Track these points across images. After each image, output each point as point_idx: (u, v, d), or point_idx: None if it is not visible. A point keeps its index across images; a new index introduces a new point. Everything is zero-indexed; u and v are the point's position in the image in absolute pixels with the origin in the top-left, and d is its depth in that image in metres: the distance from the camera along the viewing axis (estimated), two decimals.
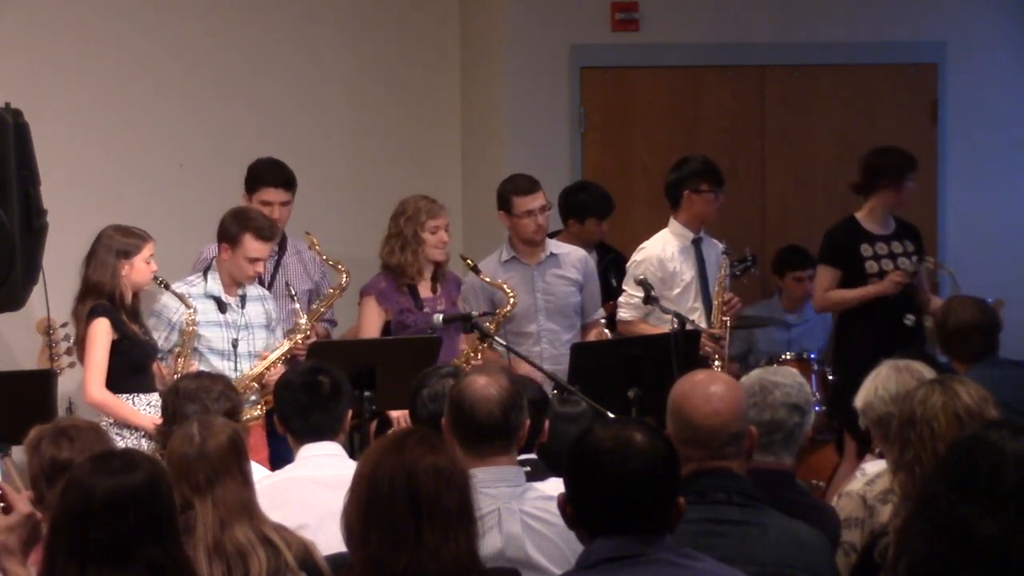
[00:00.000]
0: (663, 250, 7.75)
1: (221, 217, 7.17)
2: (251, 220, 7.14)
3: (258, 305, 7.26)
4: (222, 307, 7.12)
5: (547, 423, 4.99)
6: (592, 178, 8.97)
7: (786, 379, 4.72)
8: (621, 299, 7.81)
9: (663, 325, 7.54)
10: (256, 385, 7.06)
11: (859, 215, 8.03)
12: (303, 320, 7.20)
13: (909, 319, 7.88)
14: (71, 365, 7.19)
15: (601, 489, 3.49)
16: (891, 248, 7.99)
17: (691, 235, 7.79)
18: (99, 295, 6.77)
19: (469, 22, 9.39)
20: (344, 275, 7.28)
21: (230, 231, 7.09)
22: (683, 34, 9.40)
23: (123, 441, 6.64)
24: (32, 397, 6.40)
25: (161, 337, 7.04)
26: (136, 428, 6.70)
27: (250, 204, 7.54)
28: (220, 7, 8.93)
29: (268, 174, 7.63)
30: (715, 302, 7.69)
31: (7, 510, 3.67)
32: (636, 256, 7.82)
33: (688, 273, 7.75)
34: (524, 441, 4.50)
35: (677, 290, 7.70)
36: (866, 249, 7.95)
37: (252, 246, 7.08)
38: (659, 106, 9.43)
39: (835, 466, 7.97)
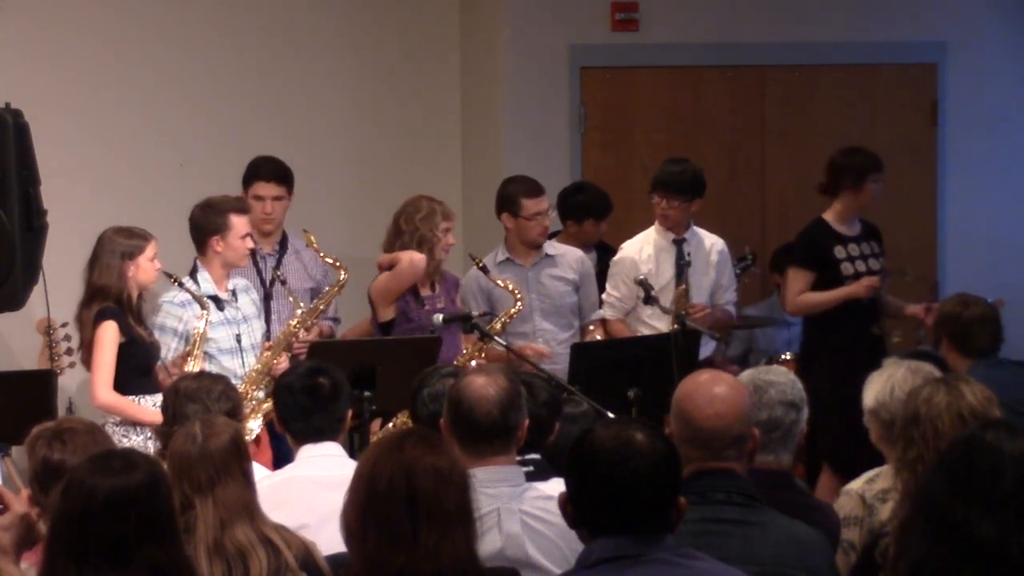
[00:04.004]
0: (639, 252, 7.79)
1: (191, 221, 7.15)
2: (224, 202, 7.17)
3: (247, 296, 7.27)
4: (220, 305, 7.12)
5: (557, 424, 5.01)
6: (592, 178, 8.97)
7: (779, 377, 4.74)
8: (602, 296, 7.86)
9: (641, 327, 7.66)
10: (267, 378, 7.03)
11: (828, 217, 7.99)
12: (300, 308, 7.20)
13: (876, 329, 7.88)
14: (71, 365, 7.19)
15: (602, 489, 3.50)
16: (861, 249, 7.97)
17: (672, 235, 7.81)
18: (105, 298, 6.76)
19: (469, 22, 9.39)
20: (342, 272, 7.28)
21: (214, 222, 7.08)
22: (683, 34, 9.40)
23: (129, 441, 6.64)
24: (32, 397, 6.40)
25: (170, 349, 6.98)
26: (146, 427, 6.69)
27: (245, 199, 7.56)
28: (221, 7, 8.93)
29: (261, 168, 7.65)
30: (678, 290, 7.65)
31: (3, 510, 3.68)
32: (616, 256, 7.89)
33: (666, 274, 7.75)
34: (523, 441, 4.50)
35: (652, 291, 7.67)
36: (840, 251, 7.91)
37: (240, 223, 7.10)
38: (659, 106, 9.44)
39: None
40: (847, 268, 7.92)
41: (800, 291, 7.96)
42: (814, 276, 7.93)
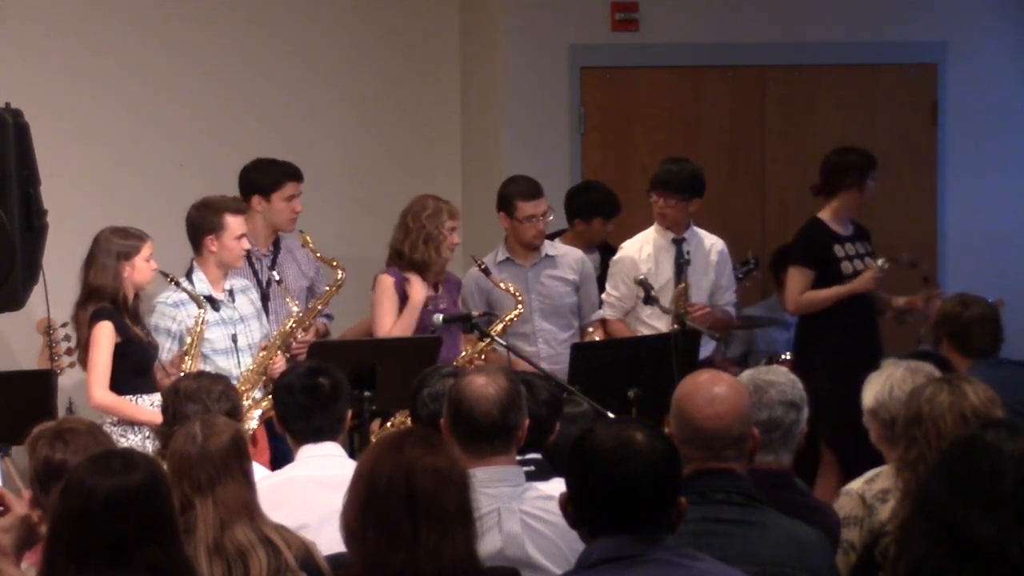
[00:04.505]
0: (639, 251, 7.80)
1: (187, 220, 7.16)
2: (220, 202, 7.18)
3: (245, 296, 7.27)
4: (215, 305, 7.12)
5: (558, 424, 5.00)
6: (592, 178, 8.97)
7: (779, 377, 4.74)
8: (602, 296, 7.86)
9: (641, 327, 7.66)
10: (263, 378, 7.03)
11: (824, 217, 8.03)
12: (295, 308, 7.20)
13: (890, 312, 7.97)
14: (71, 365, 7.19)
15: (602, 489, 3.50)
16: (856, 249, 8.00)
17: (671, 235, 7.81)
18: (101, 298, 6.77)
19: (469, 22, 9.39)
20: (340, 271, 7.28)
21: (210, 222, 7.10)
22: (683, 34, 9.40)
23: (127, 441, 6.64)
24: (32, 397, 6.41)
25: (164, 350, 6.99)
26: (143, 426, 6.69)
27: (268, 205, 7.56)
28: (220, 7, 8.93)
29: (287, 169, 7.68)
30: (678, 289, 7.64)
31: (3, 512, 3.68)
32: (615, 256, 7.88)
33: (666, 274, 7.75)
34: (524, 440, 4.50)
35: (651, 291, 7.66)
36: (839, 250, 7.95)
37: (235, 223, 7.11)
38: (659, 106, 9.44)
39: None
40: (847, 267, 7.93)
41: (802, 290, 7.97)
42: (815, 275, 7.94)
